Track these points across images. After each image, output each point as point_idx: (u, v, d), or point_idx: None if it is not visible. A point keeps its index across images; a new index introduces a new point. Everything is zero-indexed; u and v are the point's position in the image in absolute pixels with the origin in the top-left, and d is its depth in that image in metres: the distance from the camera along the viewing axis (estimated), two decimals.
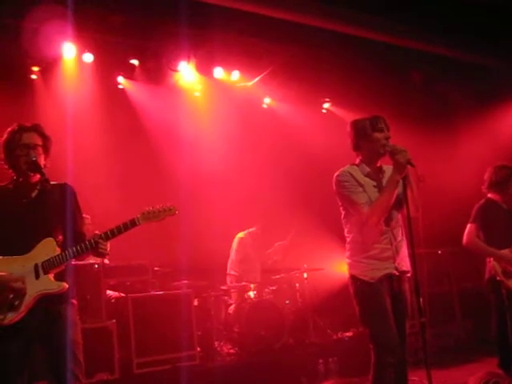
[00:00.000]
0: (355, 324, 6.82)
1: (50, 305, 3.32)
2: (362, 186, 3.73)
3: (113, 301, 5.98)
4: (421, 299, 3.46)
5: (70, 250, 3.38)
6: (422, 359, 3.62)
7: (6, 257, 3.35)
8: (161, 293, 6.14)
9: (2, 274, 3.26)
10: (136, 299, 5.81)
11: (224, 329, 6.71)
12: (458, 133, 8.39)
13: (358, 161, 3.85)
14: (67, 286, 3.37)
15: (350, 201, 3.74)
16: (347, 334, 7.05)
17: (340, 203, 3.86)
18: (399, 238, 3.76)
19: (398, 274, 3.72)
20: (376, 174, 3.81)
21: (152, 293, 6.15)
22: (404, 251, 3.78)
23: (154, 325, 5.72)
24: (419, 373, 4.05)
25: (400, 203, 3.73)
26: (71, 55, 7.00)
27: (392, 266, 3.70)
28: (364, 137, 3.78)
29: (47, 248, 3.37)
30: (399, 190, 3.68)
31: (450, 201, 7.64)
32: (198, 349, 5.99)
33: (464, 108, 8.75)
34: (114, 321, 5.48)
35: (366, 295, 3.70)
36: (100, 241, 3.39)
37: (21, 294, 3.24)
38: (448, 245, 7.45)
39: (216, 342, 6.40)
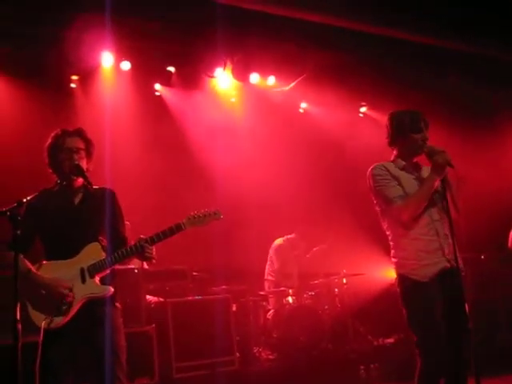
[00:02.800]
0: (397, 330, 6.70)
1: (94, 308, 3.34)
2: (397, 178, 3.60)
3: (152, 305, 5.99)
4: (466, 305, 3.33)
5: (116, 254, 3.39)
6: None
7: (52, 261, 3.39)
8: (200, 298, 6.15)
9: (52, 278, 3.29)
10: (175, 304, 5.82)
11: (263, 334, 6.67)
12: (499, 135, 8.22)
13: (392, 157, 3.73)
14: (113, 289, 3.39)
15: (382, 195, 3.60)
16: (388, 340, 6.94)
17: (375, 200, 3.73)
18: (446, 231, 3.54)
19: (449, 266, 3.48)
20: (412, 169, 3.69)
21: (191, 298, 6.16)
22: (452, 245, 3.50)
23: (193, 329, 5.73)
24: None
25: (441, 200, 3.58)
26: (109, 63, 7.09)
27: (443, 259, 3.49)
28: (401, 134, 3.65)
29: (93, 252, 3.39)
30: (440, 188, 3.56)
31: (492, 204, 7.46)
32: (237, 354, 5.96)
33: (505, 110, 8.55)
34: (154, 325, 5.50)
35: (416, 298, 3.49)
36: (146, 245, 3.39)
37: (69, 299, 3.27)
38: (491, 249, 7.27)
39: (255, 348, 6.37)
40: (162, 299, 6.06)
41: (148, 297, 6.06)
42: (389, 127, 3.72)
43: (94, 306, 3.33)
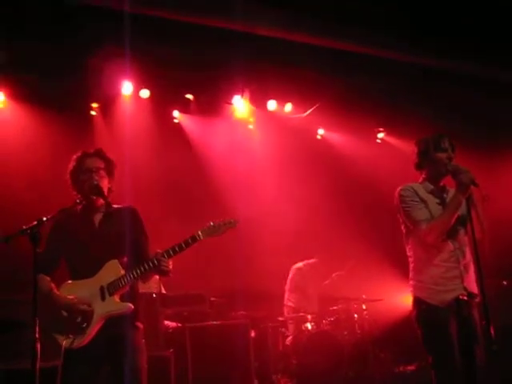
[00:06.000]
0: (418, 357, 6.58)
1: (115, 328, 3.34)
2: (424, 201, 3.65)
3: (170, 331, 5.97)
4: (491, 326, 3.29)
5: (134, 271, 3.40)
6: None
7: (73, 281, 3.43)
8: (218, 323, 6.10)
9: (71, 298, 3.33)
10: (194, 329, 5.80)
11: (281, 360, 6.58)
12: None
13: (421, 179, 3.79)
14: (133, 306, 3.39)
15: (409, 216, 3.65)
16: (410, 367, 6.81)
17: (401, 220, 3.78)
18: (467, 258, 3.61)
19: (466, 297, 3.56)
20: (440, 193, 3.72)
21: (210, 323, 6.12)
22: (472, 273, 3.62)
23: (212, 355, 5.69)
24: None
25: (465, 223, 3.61)
26: (129, 91, 7.20)
27: (460, 287, 3.55)
28: (426, 156, 3.71)
29: (112, 270, 3.41)
30: (463, 210, 3.57)
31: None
32: (256, 381, 5.89)
33: None
34: (172, 350, 5.45)
35: (431, 321, 3.56)
36: (162, 259, 3.39)
37: (88, 316, 3.29)
38: None
39: (273, 375, 6.29)
40: (180, 324, 6.03)
41: (166, 322, 6.03)
42: (416, 151, 3.79)
43: (114, 325, 3.34)
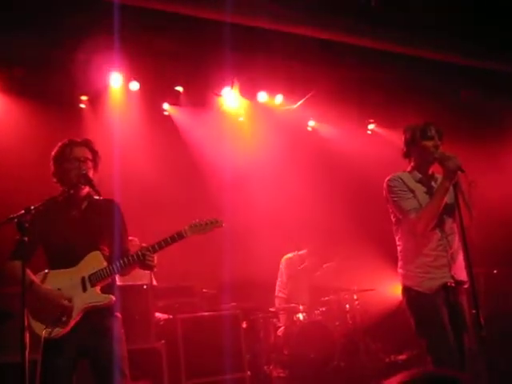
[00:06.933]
0: (409, 347, 6.60)
1: (95, 318, 3.34)
2: (412, 191, 3.67)
3: (161, 323, 5.94)
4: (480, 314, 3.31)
5: (117, 263, 3.39)
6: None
7: (54, 270, 3.39)
8: (210, 314, 6.07)
9: (52, 290, 3.30)
10: (185, 320, 5.76)
11: (273, 351, 6.57)
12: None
13: (409, 168, 3.80)
14: (114, 298, 3.38)
15: (398, 206, 3.68)
16: (400, 357, 6.83)
17: (390, 210, 3.79)
18: (455, 246, 3.64)
19: (454, 284, 3.59)
20: (428, 181, 3.74)
21: (201, 314, 6.08)
22: (461, 261, 3.65)
23: (204, 346, 5.65)
24: None
25: (453, 211, 3.63)
26: (118, 84, 7.16)
27: (448, 275, 3.58)
28: (413, 144, 3.74)
29: (94, 261, 3.40)
30: (451, 199, 3.58)
31: (503, 219, 7.39)
32: (248, 372, 5.88)
33: None
34: (163, 342, 5.44)
35: (422, 306, 3.60)
36: (147, 253, 3.38)
37: (68, 310, 3.27)
38: (505, 264, 7.17)
39: (265, 366, 6.28)
40: (171, 316, 6.01)
41: (157, 314, 6.00)
42: (403, 139, 3.82)
43: (94, 316, 3.33)
